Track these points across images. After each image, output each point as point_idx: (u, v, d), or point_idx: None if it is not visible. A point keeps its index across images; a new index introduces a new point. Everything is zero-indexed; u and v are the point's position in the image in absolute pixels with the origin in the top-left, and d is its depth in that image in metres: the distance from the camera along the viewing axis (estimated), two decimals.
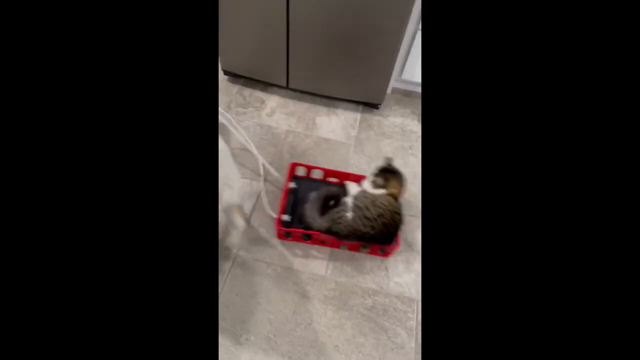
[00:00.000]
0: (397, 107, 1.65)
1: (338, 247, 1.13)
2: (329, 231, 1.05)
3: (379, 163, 1.17)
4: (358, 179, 1.23)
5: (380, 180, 1.09)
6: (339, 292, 1.06)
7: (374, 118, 1.58)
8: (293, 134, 1.48)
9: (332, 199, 1.14)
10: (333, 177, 1.29)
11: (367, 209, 1.02)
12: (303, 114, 1.56)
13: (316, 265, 1.11)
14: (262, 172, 1.30)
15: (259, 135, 1.46)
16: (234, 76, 1.64)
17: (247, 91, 1.62)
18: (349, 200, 1.07)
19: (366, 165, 1.40)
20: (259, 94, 1.61)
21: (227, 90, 1.61)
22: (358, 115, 1.59)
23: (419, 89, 1.68)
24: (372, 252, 1.14)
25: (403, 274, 1.12)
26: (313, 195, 1.16)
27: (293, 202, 1.22)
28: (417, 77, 1.58)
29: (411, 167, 1.40)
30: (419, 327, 1.02)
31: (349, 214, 1.03)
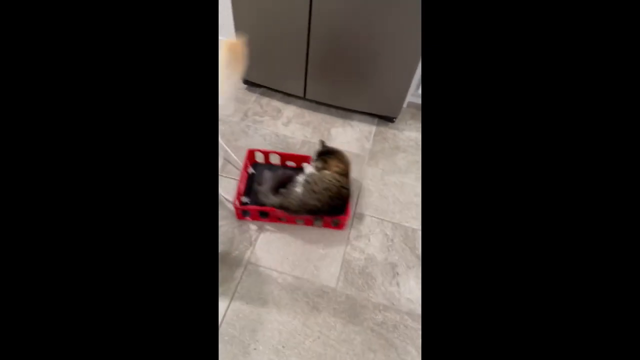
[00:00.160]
0: (412, 121, 1.65)
1: (295, 222, 1.20)
2: (281, 207, 1.13)
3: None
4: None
5: (320, 163, 1.19)
6: (349, 306, 1.05)
7: (389, 131, 1.59)
8: (308, 144, 1.49)
9: (287, 182, 1.20)
10: (290, 160, 1.36)
11: (315, 183, 1.12)
12: (318, 125, 1.57)
13: (327, 276, 1.11)
14: (220, 158, 1.36)
15: (274, 144, 1.47)
16: (253, 85, 1.67)
17: (264, 100, 1.65)
18: (300, 179, 1.16)
19: (379, 178, 1.40)
20: (276, 103, 1.64)
21: (244, 99, 1.64)
22: (373, 128, 1.59)
23: None
24: (326, 225, 1.20)
25: (415, 290, 1.11)
26: (267, 175, 1.28)
27: (252, 187, 1.29)
28: None
29: None
30: None
31: (299, 189, 1.13)
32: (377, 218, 1.27)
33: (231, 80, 1.02)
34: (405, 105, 1.67)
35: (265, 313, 1.02)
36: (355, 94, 1.52)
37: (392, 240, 1.22)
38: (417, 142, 1.56)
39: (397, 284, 1.11)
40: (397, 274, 1.14)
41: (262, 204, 1.17)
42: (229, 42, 0.96)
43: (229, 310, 1.01)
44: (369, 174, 1.41)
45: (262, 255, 1.14)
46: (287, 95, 1.65)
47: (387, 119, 1.61)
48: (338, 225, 1.21)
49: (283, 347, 0.96)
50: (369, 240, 1.21)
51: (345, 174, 1.17)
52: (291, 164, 1.36)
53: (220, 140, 1.37)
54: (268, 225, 1.21)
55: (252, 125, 1.53)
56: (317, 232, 1.21)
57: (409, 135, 1.58)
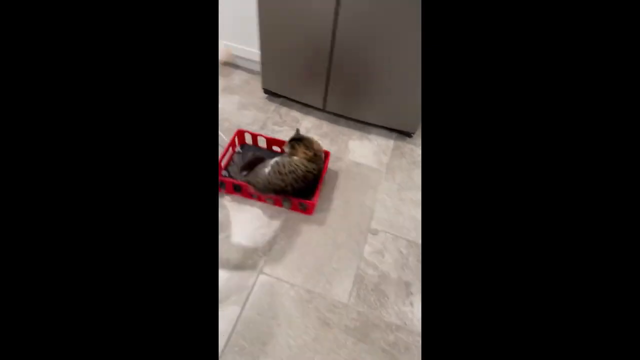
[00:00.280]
0: None
1: (265, 200, 1.29)
2: (249, 183, 1.24)
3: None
4: None
5: (288, 149, 1.28)
6: (360, 323, 1.04)
7: (406, 146, 1.58)
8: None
9: (258, 162, 1.32)
10: (275, 145, 1.45)
11: (283, 166, 1.21)
12: (336, 137, 1.58)
13: (339, 290, 1.09)
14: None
15: None
16: (273, 95, 1.69)
17: (283, 110, 1.66)
18: (272, 161, 1.25)
19: (396, 193, 1.38)
20: (295, 113, 1.65)
21: (264, 108, 1.66)
22: (391, 142, 1.59)
23: None
24: (294, 208, 1.27)
25: None
26: (247, 155, 1.42)
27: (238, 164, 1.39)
28: None
29: None
30: None
31: (267, 170, 1.22)
32: (392, 234, 1.26)
33: None
34: None
35: (275, 325, 1.01)
36: (374, 107, 1.52)
37: (407, 258, 1.20)
38: None
39: (411, 304, 1.09)
40: (411, 293, 1.12)
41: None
42: None
43: (240, 320, 1.01)
44: (385, 189, 1.40)
45: (276, 265, 1.14)
46: (306, 106, 1.67)
47: (405, 134, 1.60)
48: (306, 210, 1.26)
49: None
50: (383, 257, 1.19)
51: (312, 160, 1.26)
52: (276, 149, 1.46)
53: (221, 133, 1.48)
54: (282, 234, 1.21)
55: (270, 134, 1.55)
56: (331, 245, 1.20)
57: None
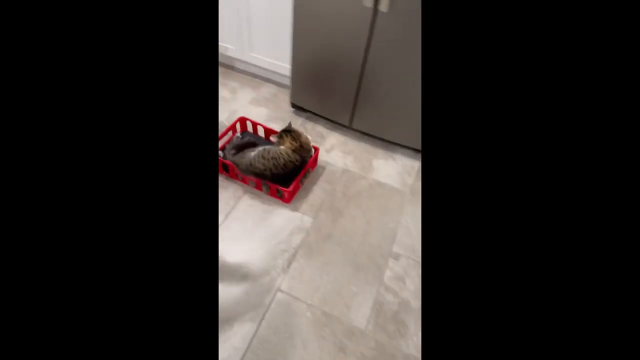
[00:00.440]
0: None
1: (247, 183, 1.38)
2: (234, 163, 1.34)
3: None
4: None
5: (276, 138, 1.37)
6: (378, 353, 1.00)
7: None
8: (348, 174, 1.48)
9: (248, 147, 1.41)
10: (273, 134, 1.46)
11: (268, 152, 1.30)
12: (361, 155, 1.56)
13: (358, 316, 1.06)
14: None
15: (315, 170, 1.48)
16: (300, 109, 1.70)
17: (309, 125, 1.67)
18: (261, 147, 1.34)
19: (419, 217, 1.34)
20: (320, 129, 1.66)
21: (291, 122, 1.67)
22: (416, 164, 1.55)
23: None
24: (272, 194, 1.35)
25: None
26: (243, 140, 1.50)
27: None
28: None
29: None
30: None
31: (252, 154, 1.31)
32: (414, 260, 1.22)
33: None
34: None
35: (290, 347, 0.99)
36: (401, 127, 1.50)
37: None
38: None
39: None
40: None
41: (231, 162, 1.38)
42: None
43: (255, 339, 0.99)
44: (409, 211, 1.36)
45: (294, 283, 1.12)
46: (332, 122, 1.67)
47: None
48: (282, 198, 1.34)
49: None
50: (404, 283, 1.16)
51: (297, 150, 1.33)
52: (273, 139, 1.51)
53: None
54: (302, 251, 1.20)
55: None
56: (351, 267, 1.18)
57: None
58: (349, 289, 1.12)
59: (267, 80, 1.87)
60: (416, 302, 1.11)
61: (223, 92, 1.76)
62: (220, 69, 1.89)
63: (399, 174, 1.50)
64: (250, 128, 1.58)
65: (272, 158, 1.29)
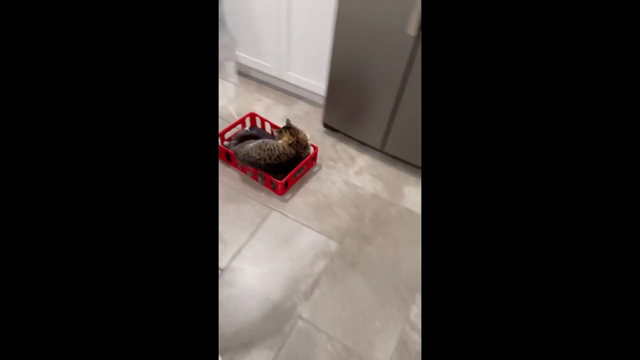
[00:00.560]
0: None
1: (245, 172, 1.47)
2: (234, 151, 1.42)
3: None
4: None
5: (277, 133, 1.46)
6: None
7: None
8: (378, 200, 1.44)
9: (249, 138, 1.50)
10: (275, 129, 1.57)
11: (266, 144, 1.37)
12: (391, 180, 1.52)
13: (381, 354, 1.01)
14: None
15: (343, 193, 1.45)
16: (331, 129, 1.69)
17: (340, 145, 1.65)
18: (261, 140, 1.42)
19: None
20: (351, 150, 1.63)
21: (322, 142, 1.66)
22: None
23: None
24: (266, 185, 1.43)
25: None
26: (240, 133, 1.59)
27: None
28: None
29: None
30: None
31: (252, 144, 1.39)
32: None
33: None
34: None
35: None
36: None
37: None
38: None
39: None
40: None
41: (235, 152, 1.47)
42: None
43: None
44: None
45: (316, 312, 1.08)
46: (363, 144, 1.64)
47: None
48: (275, 190, 1.41)
49: None
50: None
51: (293, 145, 1.41)
52: (275, 134, 1.59)
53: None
54: (325, 278, 1.16)
55: (325, 169, 1.54)
56: (375, 299, 1.12)
57: None
58: (373, 324, 1.07)
59: (300, 97, 1.89)
60: None
61: (258, 108, 1.79)
62: (256, 85, 1.93)
63: None
64: (259, 124, 1.68)
65: (268, 149, 1.37)
